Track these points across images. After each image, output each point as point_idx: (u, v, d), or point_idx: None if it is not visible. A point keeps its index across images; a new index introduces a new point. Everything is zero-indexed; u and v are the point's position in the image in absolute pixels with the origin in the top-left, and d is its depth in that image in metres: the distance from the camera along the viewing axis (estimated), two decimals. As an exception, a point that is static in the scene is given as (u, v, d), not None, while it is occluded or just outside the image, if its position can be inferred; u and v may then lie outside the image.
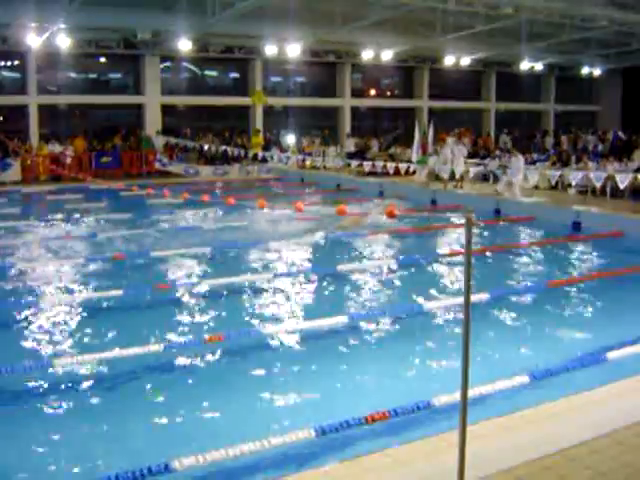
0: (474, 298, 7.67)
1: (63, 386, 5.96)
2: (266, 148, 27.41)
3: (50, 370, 6.13)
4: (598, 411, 4.99)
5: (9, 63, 25.42)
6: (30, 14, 19.46)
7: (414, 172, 21.24)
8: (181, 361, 6.52)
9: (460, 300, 7.53)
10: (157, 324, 7.60)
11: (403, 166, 19.47)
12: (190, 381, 6.13)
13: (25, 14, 19.49)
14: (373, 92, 33.23)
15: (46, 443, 4.98)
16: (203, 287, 9.22)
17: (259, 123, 29.29)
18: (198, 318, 7.95)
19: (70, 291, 9.14)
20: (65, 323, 7.71)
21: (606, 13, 21.21)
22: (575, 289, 9.40)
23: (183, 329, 7.48)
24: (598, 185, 15.69)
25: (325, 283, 9.77)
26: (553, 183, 18.03)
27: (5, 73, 25.89)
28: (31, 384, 5.95)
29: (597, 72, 33.69)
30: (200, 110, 29.14)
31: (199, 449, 4.38)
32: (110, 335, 7.21)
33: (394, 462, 4.20)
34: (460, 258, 10.79)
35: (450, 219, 15.42)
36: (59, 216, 15.87)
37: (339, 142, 29.95)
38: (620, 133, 25.87)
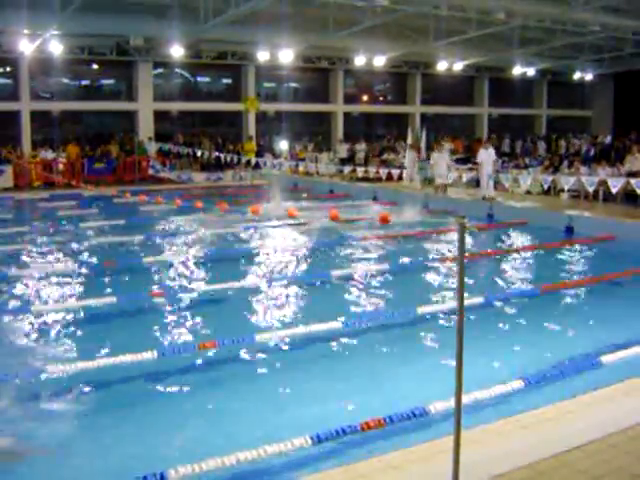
0: (468, 303, 7.69)
1: (54, 394, 5.91)
2: (259, 154, 27.43)
3: (40, 378, 6.08)
4: (592, 415, 5.00)
5: (1, 69, 25.37)
6: (22, 21, 19.43)
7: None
8: (175, 368, 6.49)
9: (454, 305, 7.55)
10: (151, 331, 7.58)
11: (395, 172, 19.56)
12: (183, 388, 6.10)
13: (17, 21, 19.48)
14: (366, 98, 33.30)
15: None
16: (197, 293, 9.20)
17: (252, 129, 29.32)
18: (192, 325, 7.92)
19: (62, 298, 9.09)
20: (57, 330, 7.65)
21: (598, 18, 21.33)
22: (568, 293, 9.43)
23: (177, 336, 7.45)
24: (591, 190, 15.75)
25: (318, 289, 9.77)
26: (546, 188, 18.11)
27: (-3, 79, 25.89)
28: (21, 392, 5.90)
29: (589, 77, 33.82)
30: (193, 116, 29.14)
31: (195, 458, 4.35)
32: (104, 342, 7.16)
33: (389, 467, 4.20)
34: (453, 263, 10.81)
35: (443, 224, 15.42)
36: (51, 222, 15.78)
37: (332, 148, 29.98)
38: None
